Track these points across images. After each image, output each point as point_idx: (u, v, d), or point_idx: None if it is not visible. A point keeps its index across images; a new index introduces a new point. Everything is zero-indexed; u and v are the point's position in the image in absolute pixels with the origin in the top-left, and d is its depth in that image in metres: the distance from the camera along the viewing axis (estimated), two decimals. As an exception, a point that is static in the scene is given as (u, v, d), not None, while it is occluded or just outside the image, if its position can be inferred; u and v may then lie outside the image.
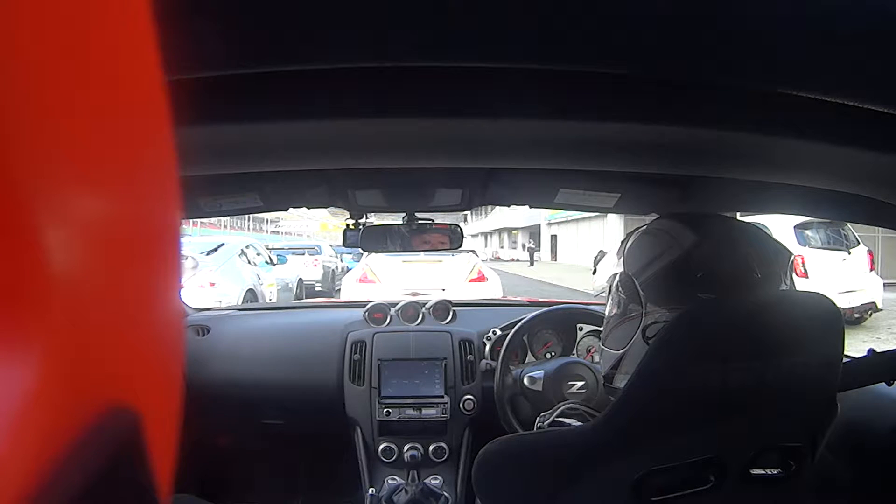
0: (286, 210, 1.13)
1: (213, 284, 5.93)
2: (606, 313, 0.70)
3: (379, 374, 1.53)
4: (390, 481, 1.49)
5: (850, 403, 0.64)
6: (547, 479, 0.61)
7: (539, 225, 30.08)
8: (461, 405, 1.52)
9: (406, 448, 1.50)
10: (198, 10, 0.35)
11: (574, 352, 1.49)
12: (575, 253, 23.41)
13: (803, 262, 6.05)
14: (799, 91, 0.45)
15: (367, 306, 1.66)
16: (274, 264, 7.96)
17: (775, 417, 0.57)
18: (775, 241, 0.65)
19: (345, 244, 1.22)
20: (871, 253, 7.12)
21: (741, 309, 0.56)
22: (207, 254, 6.60)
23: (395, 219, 1.22)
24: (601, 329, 0.73)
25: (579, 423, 1.05)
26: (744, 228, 0.65)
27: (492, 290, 5.92)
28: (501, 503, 0.66)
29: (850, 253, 6.78)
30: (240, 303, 5.89)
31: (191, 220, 8.37)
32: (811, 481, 0.58)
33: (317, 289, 10.17)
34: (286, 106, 0.49)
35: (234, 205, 0.95)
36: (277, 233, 30.86)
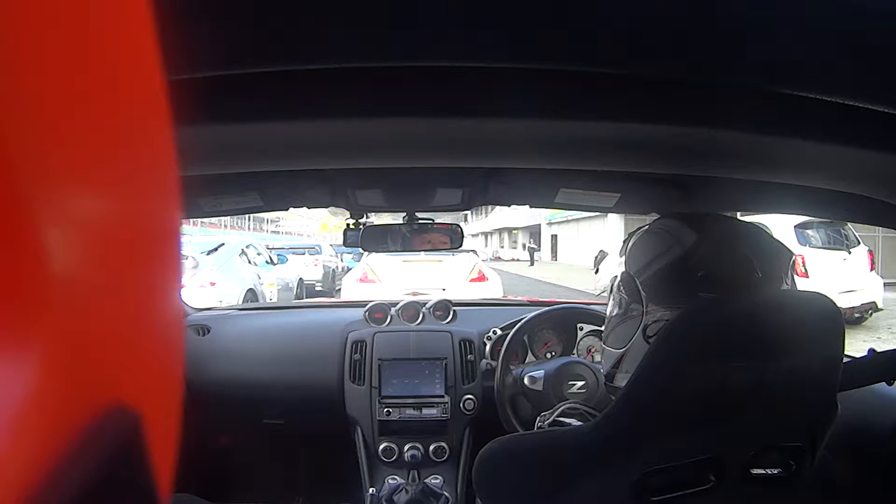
0: (286, 210, 1.13)
1: (213, 284, 5.94)
2: (608, 312, 0.70)
3: (379, 374, 1.53)
4: (390, 481, 1.49)
5: (851, 403, 0.64)
6: (547, 479, 0.61)
7: (539, 225, 30.07)
8: (461, 405, 1.52)
9: (406, 448, 1.50)
10: (198, 9, 0.35)
11: (574, 351, 1.49)
12: (575, 253, 23.40)
13: (804, 262, 6.04)
14: (799, 91, 0.45)
15: (368, 306, 1.66)
16: (274, 264, 7.96)
17: (775, 417, 0.57)
18: (776, 240, 0.65)
19: (345, 244, 1.22)
20: (871, 253, 7.12)
21: (741, 308, 0.56)
22: (208, 253, 6.61)
23: (396, 218, 1.23)
24: (601, 329, 0.73)
25: (580, 423, 1.05)
26: (744, 228, 0.65)
27: (492, 289, 5.92)
28: (502, 503, 0.66)
29: (850, 253, 6.78)
30: (240, 302, 5.90)
31: (191, 220, 8.37)
32: (811, 481, 0.58)
33: (317, 288, 10.18)
34: (286, 106, 0.49)
35: (234, 205, 0.95)
36: (278, 232, 30.81)
